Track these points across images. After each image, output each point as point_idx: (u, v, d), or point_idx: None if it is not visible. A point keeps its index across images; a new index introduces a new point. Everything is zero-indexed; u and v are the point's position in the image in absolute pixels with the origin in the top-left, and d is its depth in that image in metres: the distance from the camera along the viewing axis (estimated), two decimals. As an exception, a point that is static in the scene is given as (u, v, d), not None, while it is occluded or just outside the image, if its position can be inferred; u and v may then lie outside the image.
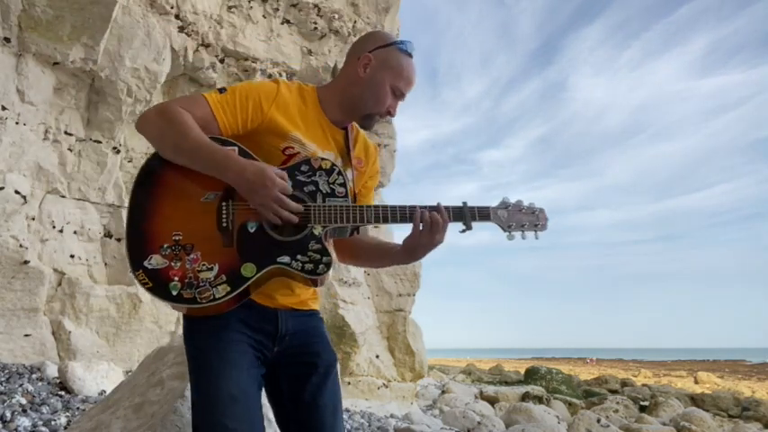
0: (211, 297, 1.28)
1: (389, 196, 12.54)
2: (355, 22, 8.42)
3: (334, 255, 1.48)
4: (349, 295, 8.13)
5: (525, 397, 11.97)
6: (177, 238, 1.32)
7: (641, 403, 14.09)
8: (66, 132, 5.56)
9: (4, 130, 4.86)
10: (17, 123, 5.02)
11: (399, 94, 1.53)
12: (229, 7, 7.07)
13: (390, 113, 1.54)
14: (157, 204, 1.35)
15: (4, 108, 4.89)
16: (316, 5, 7.87)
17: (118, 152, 5.97)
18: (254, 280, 1.32)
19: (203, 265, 1.30)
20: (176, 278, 1.29)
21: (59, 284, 5.38)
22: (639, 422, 9.78)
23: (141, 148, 6.43)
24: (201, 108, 1.37)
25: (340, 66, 8.29)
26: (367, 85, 1.50)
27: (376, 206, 1.43)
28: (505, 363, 35.64)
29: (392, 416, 7.53)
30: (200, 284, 1.29)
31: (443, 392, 12.86)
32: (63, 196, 5.55)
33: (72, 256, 5.56)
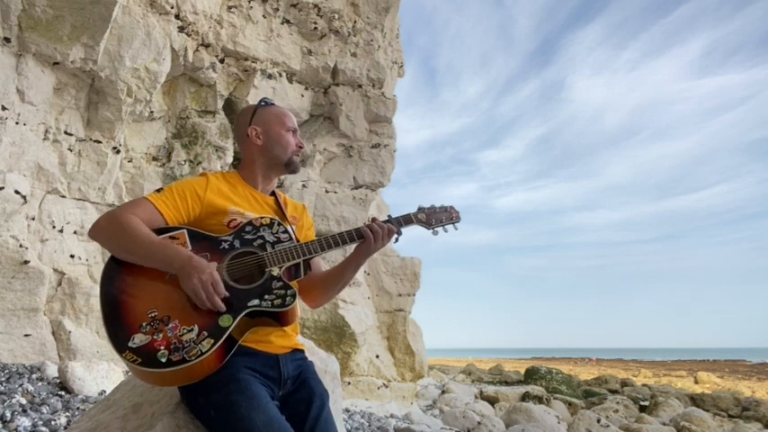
0: (199, 353, 1.37)
1: (389, 197, 12.54)
2: (355, 22, 8.41)
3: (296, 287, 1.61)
4: (349, 295, 8.13)
5: (525, 397, 11.96)
6: (153, 314, 1.43)
7: (641, 403, 14.08)
8: (66, 132, 5.56)
9: (4, 130, 4.86)
10: (17, 123, 5.02)
11: (293, 129, 1.82)
12: (229, 7, 7.07)
13: (300, 147, 1.82)
14: (127, 294, 1.48)
15: (4, 108, 4.89)
16: (316, 5, 7.86)
17: (118, 152, 5.96)
18: (235, 327, 1.43)
19: (183, 329, 1.41)
20: (162, 347, 1.38)
21: (59, 284, 5.39)
22: (639, 422, 9.77)
23: (141, 148, 6.43)
24: (146, 208, 1.56)
25: (340, 66, 8.29)
26: (270, 143, 1.77)
27: (318, 239, 1.66)
28: (505, 363, 35.63)
29: (392, 416, 7.52)
30: (186, 345, 1.38)
31: (443, 392, 12.86)
32: (63, 196, 5.55)
33: (72, 256, 5.56)
